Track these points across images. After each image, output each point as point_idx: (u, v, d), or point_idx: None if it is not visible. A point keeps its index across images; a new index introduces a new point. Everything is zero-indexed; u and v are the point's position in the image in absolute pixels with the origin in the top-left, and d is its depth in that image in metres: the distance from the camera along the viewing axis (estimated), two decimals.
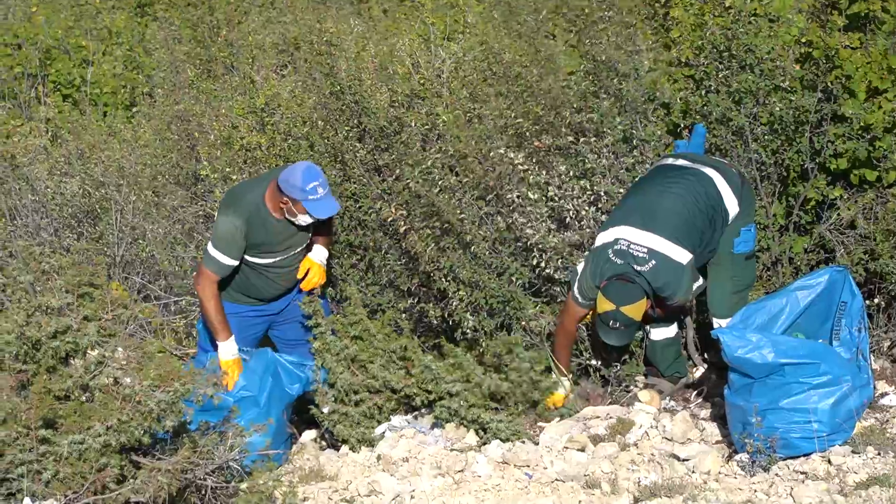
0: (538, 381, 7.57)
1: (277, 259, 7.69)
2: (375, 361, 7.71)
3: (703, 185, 7.33)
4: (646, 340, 7.82)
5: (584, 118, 8.03)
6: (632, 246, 7.17)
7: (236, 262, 7.55)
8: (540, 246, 7.83)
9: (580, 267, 7.41)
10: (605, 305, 7.23)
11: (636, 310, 7.21)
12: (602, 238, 7.32)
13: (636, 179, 7.76)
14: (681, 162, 7.52)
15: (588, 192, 7.93)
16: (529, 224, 7.85)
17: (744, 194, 7.41)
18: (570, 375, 7.75)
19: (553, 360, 7.65)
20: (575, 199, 7.91)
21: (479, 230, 7.88)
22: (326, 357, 7.64)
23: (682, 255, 7.17)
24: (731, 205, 7.33)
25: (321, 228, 7.75)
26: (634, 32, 8.37)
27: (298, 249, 7.72)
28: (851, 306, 6.92)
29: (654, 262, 7.15)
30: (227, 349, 7.54)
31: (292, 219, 7.48)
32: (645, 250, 7.16)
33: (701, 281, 7.43)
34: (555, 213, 8.00)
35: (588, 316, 7.59)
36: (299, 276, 7.79)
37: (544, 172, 7.96)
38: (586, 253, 7.56)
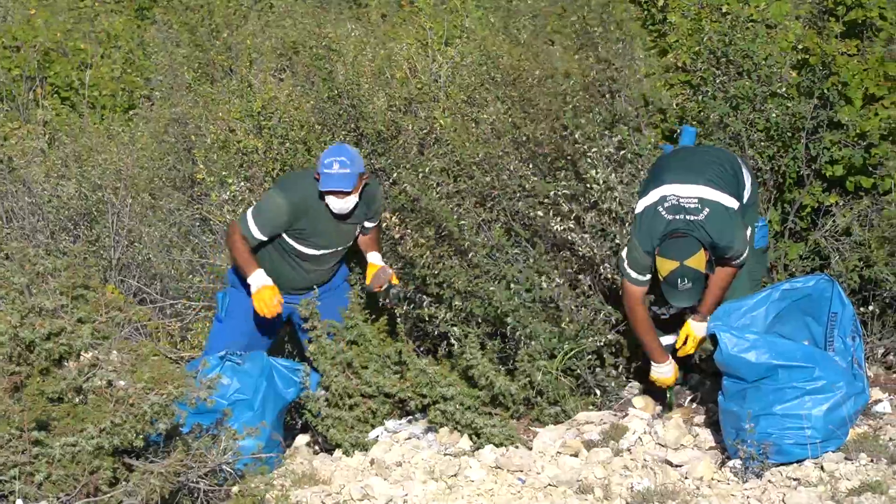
0: (546, 385, 7.58)
1: (318, 253, 7.78)
2: (369, 367, 7.72)
3: (725, 152, 7.36)
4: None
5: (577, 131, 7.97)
6: (681, 199, 7.01)
7: (264, 238, 7.66)
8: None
9: (624, 252, 7.26)
10: (667, 266, 6.99)
11: (698, 261, 6.97)
12: (645, 201, 7.15)
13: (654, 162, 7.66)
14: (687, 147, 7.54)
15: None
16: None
17: (754, 177, 7.42)
18: (669, 358, 7.50)
19: (646, 349, 7.48)
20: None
21: (476, 237, 7.81)
22: (321, 360, 7.65)
23: (731, 202, 7.04)
24: (747, 179, 7.28)
25: (370, 241, 7.97)
26: (630, 43, 8.33)
27: (338, 248, 7.85)
28: (843, 316, 6.87)
29: (707, 209, 6.99)
30: (257, 279, 7.61)
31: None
32: (696, 200, 7.00)
33: (749, 230, 7.26)
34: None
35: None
36: (367, 282, 7.95)
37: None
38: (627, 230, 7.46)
